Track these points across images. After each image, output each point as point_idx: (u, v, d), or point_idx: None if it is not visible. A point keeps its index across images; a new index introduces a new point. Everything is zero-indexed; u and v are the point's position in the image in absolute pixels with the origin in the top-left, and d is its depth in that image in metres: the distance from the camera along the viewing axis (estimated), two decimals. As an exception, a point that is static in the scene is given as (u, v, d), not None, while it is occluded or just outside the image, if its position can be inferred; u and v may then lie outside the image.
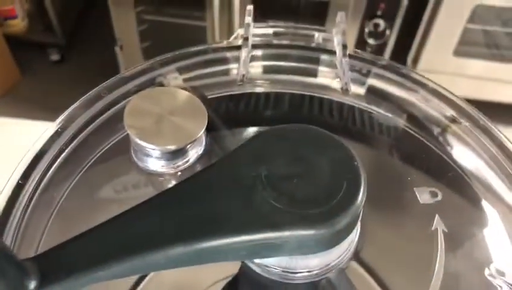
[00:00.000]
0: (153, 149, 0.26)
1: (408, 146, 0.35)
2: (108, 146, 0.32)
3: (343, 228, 0.22)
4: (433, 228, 0.27)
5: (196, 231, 0.21)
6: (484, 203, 0.30)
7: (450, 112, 0.34)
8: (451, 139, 0.34)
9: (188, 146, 0.27)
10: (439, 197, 0.29)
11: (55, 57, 1.61)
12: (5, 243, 0.19)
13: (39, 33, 1.62)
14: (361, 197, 0.22)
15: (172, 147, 0.26)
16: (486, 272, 0.26)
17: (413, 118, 0.35)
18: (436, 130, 0.34)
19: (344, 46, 0.35)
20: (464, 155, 0.33)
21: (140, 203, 0.22)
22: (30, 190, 0.29)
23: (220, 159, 0.23)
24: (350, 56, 0.36)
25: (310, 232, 0.21)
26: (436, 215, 0.27)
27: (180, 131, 0.26)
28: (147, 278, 0.41)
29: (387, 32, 1.26)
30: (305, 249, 0.22)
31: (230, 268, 0.29)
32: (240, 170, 0.23)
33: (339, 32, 0.36)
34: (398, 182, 0.32)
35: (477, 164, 0.32)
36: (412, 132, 0.35)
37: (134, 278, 0.41)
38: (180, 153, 0.27)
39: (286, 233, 0.21)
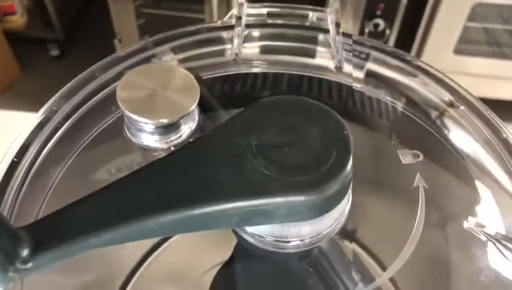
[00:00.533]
0: (146, 123, 0.26)
1: (404, 127, 0.36)
2: (103, 125, 0.32)
3: (333, 194, 0.22)
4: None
5: (188, 198, 0.21)
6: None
7: (448, 97, 0.34)
8: (448, 122, 0.34)
9: (181, 120, 0.27)
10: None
11: (54, 52, 1.61)
12: (3, 216, 0.19)
13: (38, 29, 1.62)
14: (350, 164, 0.22)
15: (164, 121, 0.26)
16: (465, 224, 0.27)
17: (411, 101, 0.35)
18: (433, 114, 0.34)
19: (337, 25, 0.35)
20: (461, 138, 0.33)
21: (133, 172, 0.22)
22: (25, 168, 0.29)
23: (211, 129, 0.24)
24: (353, 41, 0.36)
25: (300, 198, 0.21)
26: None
27: (172, 105, 0.26)
28: (146, 264, 0.42)
29: (387, 32, 1.26)
30: (296, 215, 0.22)
31: (228, 253, 0.29)
32: (231, 140, 0.23)
33: (333, 12, 0.36)
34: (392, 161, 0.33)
35: (473, 146, 0.32)
36: (409, 114, 0.35)
37: (133, 262, 0.41)
38: (173, 127, 0.27)
39: (277, 199, 0.21)
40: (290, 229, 0.24)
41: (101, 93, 0.33)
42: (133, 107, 0.26)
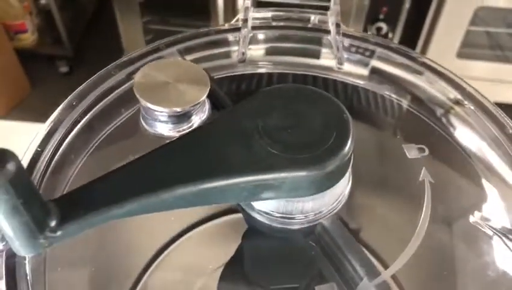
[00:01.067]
0: (161, 112, 0.29)
1: (410, 124, 0.37)
2: (120, 120, 0.34)
3: (333, 171, 0.24)
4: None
5: (201, 173, 0.23)
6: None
7: (454, 94, 0.35)
8: (454, 120, 0.35)
9: (192, 110, 0.29)
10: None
11: (64, 68, 1.65)
12: (33, 183, 0.21)
13: (48, 46, 1.66)
14: (349, 144, 0.25)
15: (177, 109, 0.28)
16: (471, 219, 0.28)
17: (416, 99, 0.37)
18: (439, 111, 0.36)
19: (337, 25, 0.37)
20: (467, 136, 0.34)
21: (151, 151, 0.24)
22: (47, 157, 0.31)
23: (221, 113, 0.26)
24: (356, 37, 0.38)
25: (303, 173, 0.24)
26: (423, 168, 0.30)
27: (185, 95, 0.29)
28: (157, 261, 0.44)
29: (390, 35, 1.28)
30: (300, 191, 0.24)
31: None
32: (239, 123, 0.25)
33: (333, 14, 0.38)
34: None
35: (479, 144, 0.34)
36: (415, 112, 0.36)
37: (147, 258, 0.43)
38: (185, 117, 0.29)
39: (282, 174, 0.23)
40: (294, 205, 0.26)
41: (116, 91, 0.35)
42: (149, 98, 0.28)
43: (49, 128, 0.32)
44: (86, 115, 0.33)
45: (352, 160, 0.26)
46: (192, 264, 0.46)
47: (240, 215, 0.29)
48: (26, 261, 0.27)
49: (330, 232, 0.27)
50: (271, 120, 0.25)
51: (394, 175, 0.33)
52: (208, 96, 0.30)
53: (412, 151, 0.31)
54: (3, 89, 1.50)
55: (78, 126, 0.33)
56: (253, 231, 0.29)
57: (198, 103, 0.29)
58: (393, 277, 0.26)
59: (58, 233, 0.22)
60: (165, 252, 0.44)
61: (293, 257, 0.29)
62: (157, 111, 0.29)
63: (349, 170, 0.27)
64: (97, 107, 0.34)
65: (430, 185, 0.29)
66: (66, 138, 0.32)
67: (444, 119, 0.35)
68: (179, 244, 0.45)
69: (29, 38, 1.64)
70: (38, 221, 0.21)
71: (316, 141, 0.25)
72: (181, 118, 0.29)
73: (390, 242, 0.30)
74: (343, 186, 0.27)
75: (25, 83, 1.60)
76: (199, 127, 0.25)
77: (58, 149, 0.32)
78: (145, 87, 0.29)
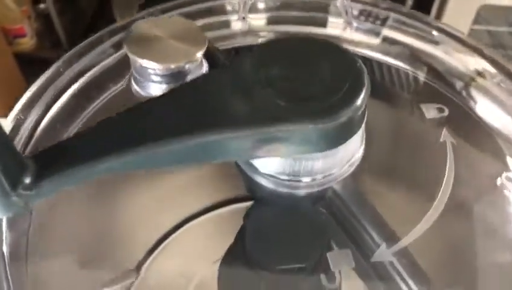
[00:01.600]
0: (154, 70, 0.26)
1: (427, 99, 0.34)
2: (111, 90, 0.32)
3: (345, 123, 0.21)
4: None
5: (197, 124, 0.21)
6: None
7: (476, 65, 0.32)
8: (475, 93, 0.32)
9: (188, 68, 0.26)
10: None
11: (63, 72, 1.62)
12: (7, 136, 0.19)
13: (47, 50, 1.64)
14: (363, 95, 0.22)
15: (172, 66, 0.26)
16: (498, 181, 0.25)
17: (433, 71, 0.34)
18: (459, 84, 0.33)
19: (345, -11, 0.35)
20: (489, 110, 0.31)
21: (140, 102, 0.21)
22: (31, 126, 0.29)
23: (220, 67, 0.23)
24: (366, 2, 0.35)
25: (311, 125, 0.21)
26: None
27: (180, 52, 0.26)
28: (152, 257, 0.41)
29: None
30: (308, 145, 0.21)
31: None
32: (242, 73, 0.22)
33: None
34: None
35: (503, 119, 0.31)
36: (432, 85, 0.33)
37: (142, 253, 0.40)
38: (180, 76, 0.26)
39: (288, 126, 0.21)
40: (303, 164, 0.23)
41: (107, 60, 0.33)
42: (141, 54, 0.26)
43: (30, 94, 0.29)
44: (74, 83, 0.31)
45: (365, 117, 0.23)
46: (193, 254, 0.44)
47: (244, 205, 0.26)
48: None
49: (342, 197, 0.24)
50: (277, 71, 0.23)
51: (412, 138, 0.30)
52: (205, 56, 0.27)
53: (430, 111, 0.28)
54: (2, 93, 1.48)
55: (65, 94, 0.30)
56: (257, 205, 0.26)
57: (195, 60, 0.26)
58: (414, 243, 0.23)
59: (34, 191, 0.19)
60: (163, 244, 0.42)
61: (302, 231, 0.26)
62: (150, 69, 0.26)
63: (363, 129, 0.24)
64: (86, 75, 0.31)
65: (451, 146, 0.26)
66: (52, 106, 0.30)
67: (464, 93, 0.32)
68: (179, 235, 0.42)
69: (28, 42, 1.62)
70: (10, 176, 0.19)
71: (326, 91, 0.22)
72: (176, 77, 0.26)
73: (409, 208, 0.27)
74: (356, 147, 0.24)
75: (24, 88, 1.57)
76: (194, 79, 0.23)
77: (43, 118, 0.29)
78: (138, 44, 0.26)
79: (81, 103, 0.31)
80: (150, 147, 0.20)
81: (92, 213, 0.33)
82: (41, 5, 1.66)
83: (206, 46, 0.27)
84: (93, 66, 0.32)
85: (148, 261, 0.39)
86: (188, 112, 0.21)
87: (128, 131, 0.21)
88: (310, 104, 0.21)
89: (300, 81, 0.22)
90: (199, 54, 0.26)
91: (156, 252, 0.41)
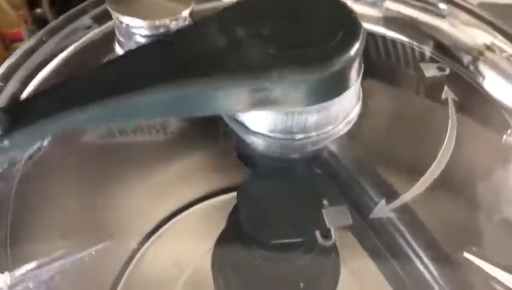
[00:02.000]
0: (138, 28, 0.25)
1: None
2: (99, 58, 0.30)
3: (339, 72, 0.20)
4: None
5: (184, 72, 0.19)
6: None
7: (485, 38, 0.31)
8: (484, 68, 0.30)
9: (173, 27, 0.25)
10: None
11: (60, 76, 1.62)
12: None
13: (44, 54, 1.63)
14: (359, 44, 0.21)
15: (156, 22, 0.24)
16: (504, 138, 0.24)
17: (439, 45, 0.32)
18: (466, 59, 0.31)
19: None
20: (499, 86, 0.30)
21: (125, 52, 0.20)
22: (12, 91, 0.27)
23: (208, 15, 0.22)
24: None
25: (304, 72, 0.19)
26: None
27: (165, 9, 0.25)
28: (145, 246, 0.40)
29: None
30: (300, 97, 0.20)
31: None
32: (228, 21, 0.21)
33: None
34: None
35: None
36: (437, 59, 0.31)
37: (135, 243, 0.39)
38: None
39: (277, 73, 0.19)
40: (295, 118, 0.21)
41: (95, 30, 0.31)
42: (124, 11, 0.24)
43: (11, 61, 0.28)
44: (60, 53, 0.29)
45: (361, 71, 0.22)
46: (187, 244, 0.42)
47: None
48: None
49: (339, 158, 0.22)
50: (266, 20, 0.21)
51: (413, 97, 0.28)
52: (192, 17, 0.26)
53: (430, 70, 0.27)
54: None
55: (50, 64, 0.29)
56: (250, 177, 0.25)
57: (181, 18, 0.25)
58: (414, 201, 0.22)
59: (5, 142, 0.18)
60: (156, 234, 0.40)
61: (299, 200, 0.24)
62: (134, 27, 0.25)
63: (359, 86, 0.23)
64: (72, 46, 0.30)
65: (453, 103, 0.25)
66: (34, 75, 0.28)
67: (472, 68, 0.30)
68: (172, 225, 0.41)
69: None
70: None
71: (319, 40, 0.20)
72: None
73: (409, 167, 0.26)
74: (351, 104, 0.23)
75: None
76: (179, 29, 0.21)
77: (26, 86, 0.28)
78: (121, 2, 0.25)
79: (65, 73, 0.30)
80: (131, 96, 0.19)
81: (83, 203, 0.32)
82: (38, 10, 1.67)
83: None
84: (77, 37, 0.31)
85: (141, 251, 0.38)
86: (172, 61, 0.20)
87: (106, 80, 0.19)
88: (302, 52, 0.20)
89: (292, 30, 0.21)
90: (185, 12, 0.25)
91: (149, 242, 0.40)
